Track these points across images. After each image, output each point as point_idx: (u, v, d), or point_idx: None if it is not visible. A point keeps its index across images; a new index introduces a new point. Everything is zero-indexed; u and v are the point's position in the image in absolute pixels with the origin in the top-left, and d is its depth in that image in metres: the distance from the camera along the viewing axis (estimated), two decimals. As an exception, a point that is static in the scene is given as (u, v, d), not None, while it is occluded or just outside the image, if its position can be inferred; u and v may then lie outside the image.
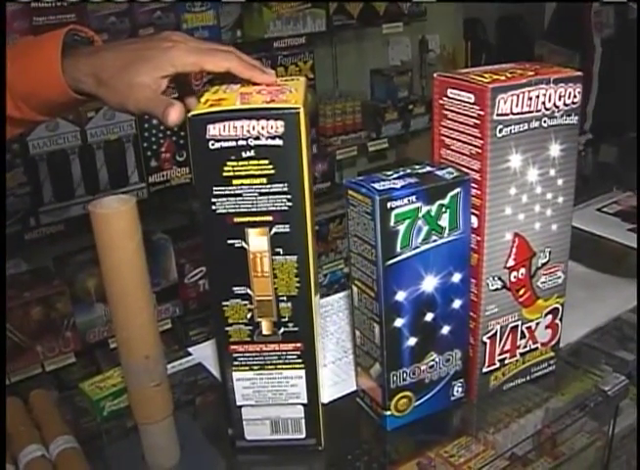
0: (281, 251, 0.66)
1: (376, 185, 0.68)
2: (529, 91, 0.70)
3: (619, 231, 1.23)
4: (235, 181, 0.63)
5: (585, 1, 2.84)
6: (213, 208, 0.64)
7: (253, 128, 0.62)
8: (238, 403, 0.73)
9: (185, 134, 1.94)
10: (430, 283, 0.72)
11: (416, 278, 0.71)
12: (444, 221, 0.71)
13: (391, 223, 0.68)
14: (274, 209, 0.64)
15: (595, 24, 2.85)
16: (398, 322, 0.72)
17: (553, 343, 0.84)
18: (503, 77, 0.71)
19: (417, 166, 0.74)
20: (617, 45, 2.86)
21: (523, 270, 0.78)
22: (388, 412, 0.76)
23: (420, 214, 0.69)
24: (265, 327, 0.69)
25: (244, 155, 0.62)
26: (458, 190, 0.70)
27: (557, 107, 0.73)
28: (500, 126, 0.70)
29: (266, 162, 0.63)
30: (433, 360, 0.76)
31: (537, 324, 0.82)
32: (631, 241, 1.18)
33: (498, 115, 0.69)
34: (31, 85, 0.71)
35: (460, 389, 0.80)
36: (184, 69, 0.66)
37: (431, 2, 2.53)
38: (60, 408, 0.83)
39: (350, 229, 0.73)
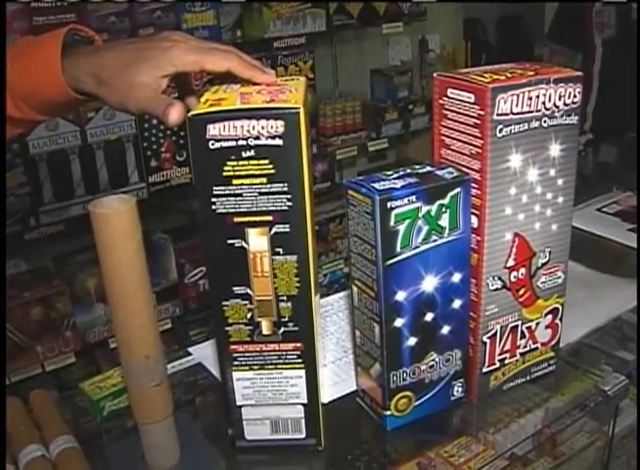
0: (281, 251, 0.66)
1: (376, 185, 0.68)
2: (529, 91, 0.70)
3: (619, 231, 1.23)
4: (235, 181, 0.63)
5: (587, 1, 2.83)
6: (213, 207, 0.64)
7: (253, 128, 0.62)
8: (238, 403, 0.73)
9: (185, 134, 1.94)
10: (430, 283, 0.72)
11: (416, 278, 0.71)
12: (444, 221, 0.71)
13: (391, 223, 0.68)
14: (274, 208, 0.64)
15: (596, 25, 2.85)
16: (398, 322, 0.72)
17: (553, 343, 0.84)
18: (503, 77, 0.71)
19: (417, 166, 0.74)
20: (618, 45, 2.86)
21: (523, 270, 0.78)
22: (388, 412, 0.76)
23: (420, 214, 0.69)
24: (265, 327, 0.69)
25: (244, 155, 0.62)
26: (458, 190, 0.70)
27: (557, 107, 0.73)
28: (500, 126, 0.70)
29: (266, 161, 0.63)
30: (433, 360, 0.76)
31: (537, 324, 0.82)
32: (631, 241, 1.18)
33: (498, 114, 0.69)
34: (31, 85, 0.71)
35: (460, 389, 0.80)
36: (184, 68, 0.66)
37: (431, 2, 2.53)
38: (60, 408, 0.82)
39: (350, 229, 0.73)
